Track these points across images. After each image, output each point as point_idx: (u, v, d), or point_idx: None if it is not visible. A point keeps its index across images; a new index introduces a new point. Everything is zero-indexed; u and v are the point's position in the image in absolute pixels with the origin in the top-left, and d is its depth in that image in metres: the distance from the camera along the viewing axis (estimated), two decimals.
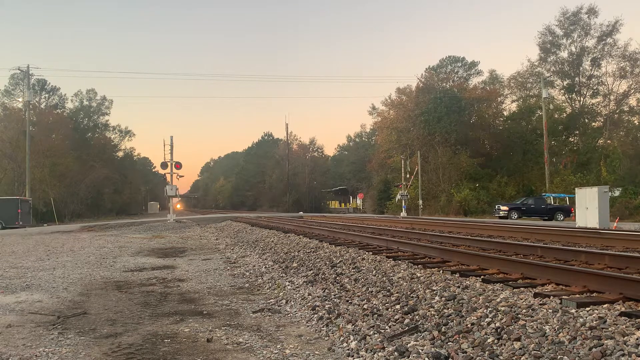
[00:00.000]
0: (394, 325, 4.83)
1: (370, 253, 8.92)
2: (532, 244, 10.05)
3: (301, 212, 55.35)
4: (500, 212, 31.71)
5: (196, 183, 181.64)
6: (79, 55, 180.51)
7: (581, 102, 48.88)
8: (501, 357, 3.65)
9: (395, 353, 4.10)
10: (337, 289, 6.79)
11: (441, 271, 6.67)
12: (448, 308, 4.86)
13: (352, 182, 73.41)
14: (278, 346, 4.73)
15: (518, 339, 3.81)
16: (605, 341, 3.44)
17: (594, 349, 3.35)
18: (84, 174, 57.55)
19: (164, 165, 33.20)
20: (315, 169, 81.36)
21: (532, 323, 4.02)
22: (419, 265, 7.21)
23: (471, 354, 3.80)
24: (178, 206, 73.52)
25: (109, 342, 4.89)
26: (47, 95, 65.62)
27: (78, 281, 8.78)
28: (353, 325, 5.12)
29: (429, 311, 4.92)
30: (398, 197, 44.76)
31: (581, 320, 3.90)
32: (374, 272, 7.12)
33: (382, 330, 4.75)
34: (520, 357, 3.56)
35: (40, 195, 46.66)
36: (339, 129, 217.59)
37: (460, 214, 41.51)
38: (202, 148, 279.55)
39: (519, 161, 49.38)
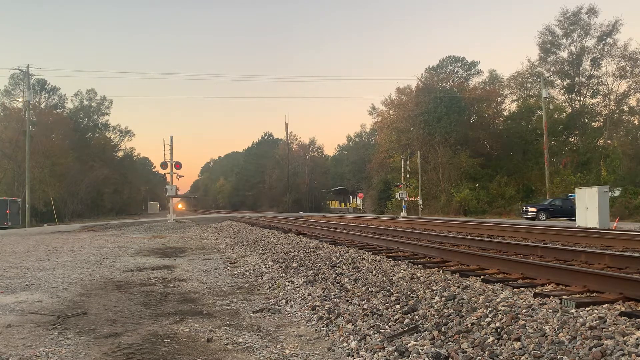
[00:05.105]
0: (393, 325, 4.82)
1: (370, 253, 8.91)
2: (532, 244, 10.05)
3: (301, 212, 55.34)
4: (529, 214, 31.87)
5: (196, 183, 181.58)
6: (79, 55, 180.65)
7: (581, 102, 48.86)
8: (501, 357, 3.65)
9: (395, 353, 4.10)
10: (337, 289, 6.78)
11: (441, 271, 6.66)
12: (448, 308, 4.86)
13: (352, 182, 73.40)
14: (278, 346, 4.73)
15: (518, 339, 3.81)
16: (605, 341, 3.43)
17: (593, 349, 3.34)
18: (83, 174, 57.57)
19: (164, 165, 33.24)
20: (315, 169, 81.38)
21: (532, 323, 4.02)
22: (419, 265, 7.20)
23: (471, 354, 3.80)
24: (180, 206, 73.50)
25: (109, 342, 4.89)
26: (47, 95, 65.66)
27: (78, 281, 8.78)
28: (353, 325, 5.12)
29: (428, 311, 4.91)
30: (397, 197, 44.86)
31: (581, 320, 3.90)
32: (374, 272, 7.12)
33: (382, 330, 4.75)
34: (520, 357, 3.55)
35: (40, 195, 46.66)
36: (339, 129, 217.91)
37: (460, 214, 41.53)
38: (202, 148, 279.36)
39: (518, 161, 49.38)
